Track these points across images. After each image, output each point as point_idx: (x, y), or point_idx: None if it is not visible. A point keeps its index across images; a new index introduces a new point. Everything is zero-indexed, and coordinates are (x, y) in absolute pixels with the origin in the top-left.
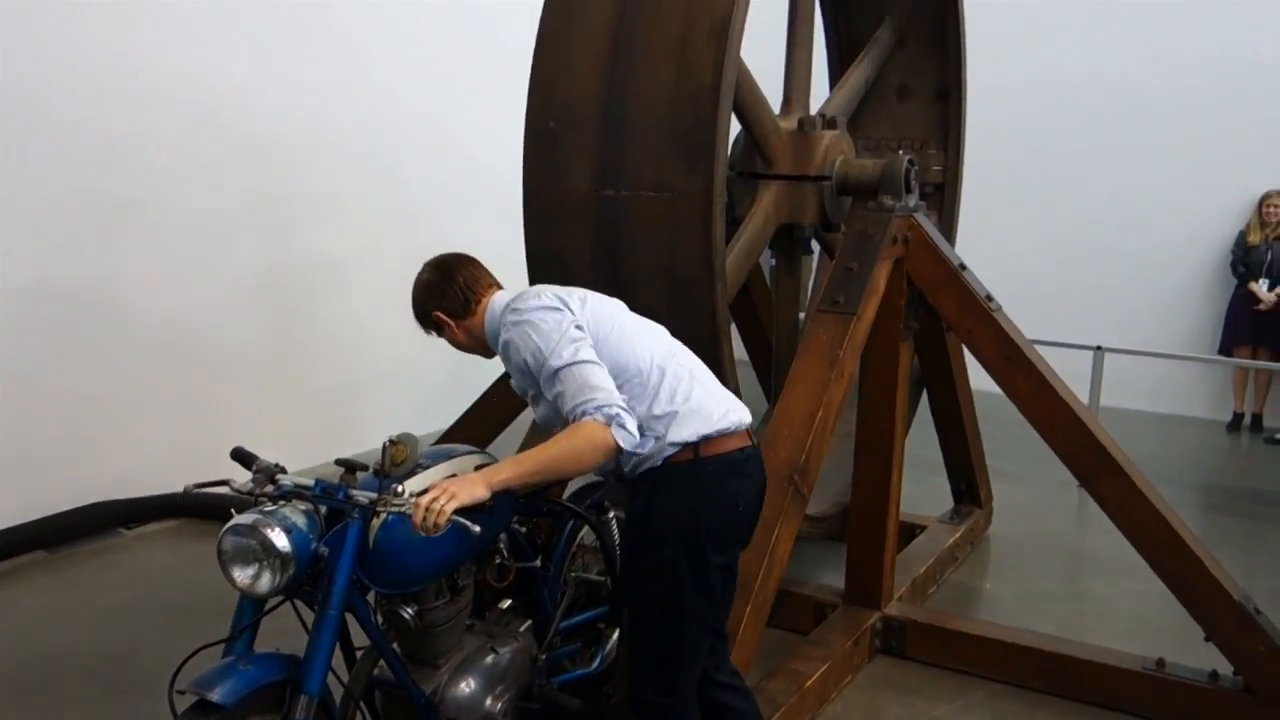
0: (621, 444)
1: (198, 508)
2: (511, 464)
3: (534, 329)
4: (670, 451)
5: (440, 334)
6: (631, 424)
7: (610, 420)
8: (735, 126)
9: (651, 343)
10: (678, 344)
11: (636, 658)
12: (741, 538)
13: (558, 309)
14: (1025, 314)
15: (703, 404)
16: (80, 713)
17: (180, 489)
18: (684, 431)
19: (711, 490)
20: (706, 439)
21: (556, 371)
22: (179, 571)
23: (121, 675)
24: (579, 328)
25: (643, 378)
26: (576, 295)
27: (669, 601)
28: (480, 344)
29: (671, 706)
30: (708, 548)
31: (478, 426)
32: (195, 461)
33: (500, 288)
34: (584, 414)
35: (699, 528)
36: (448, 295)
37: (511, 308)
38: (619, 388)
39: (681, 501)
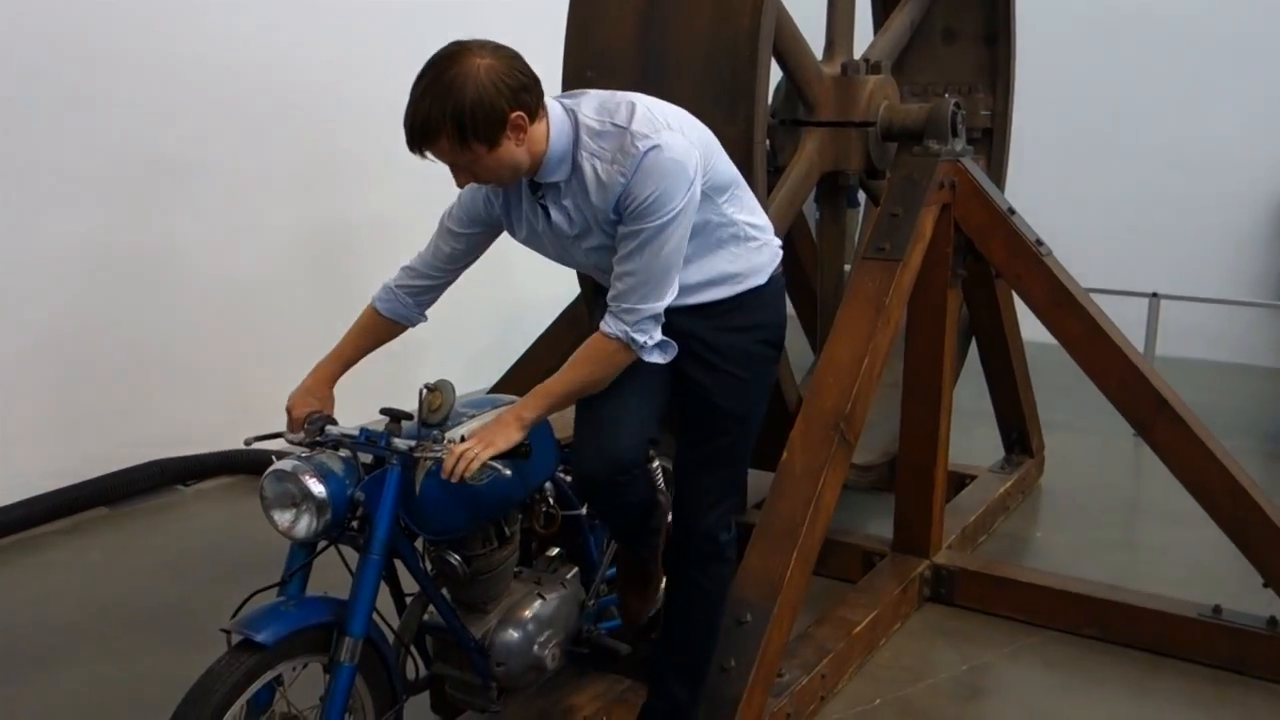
0: (641, 357)
1: (252, 465)
2: (540, 398)
3: (678, 169)
4: (777, 258)
5: (490, 150)
6: (655, 335)
7: (632, 344)
8: (777, 73)
9: None
10: None
11: (725, 492)
12: None
13: (696, 156)
14: (1078, 261)
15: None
16: (143, 660)
17: (235, 446)
18: (774, 239)
19: (783, 305)
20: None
21: (656, 240)
22: (235, 526)
23: (181, 625)
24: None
25: (737, 186)
26: (688, 117)
27: (759, 422)
28: (524, 165)
29: (734, 541)
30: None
31: (524, 381)
32: (251, 419)
33: None
34: (618, 323)
35: (782, 340)
36: (529, 86)
37: (642, 133)
38: (725, 200)
39: (781, 314)
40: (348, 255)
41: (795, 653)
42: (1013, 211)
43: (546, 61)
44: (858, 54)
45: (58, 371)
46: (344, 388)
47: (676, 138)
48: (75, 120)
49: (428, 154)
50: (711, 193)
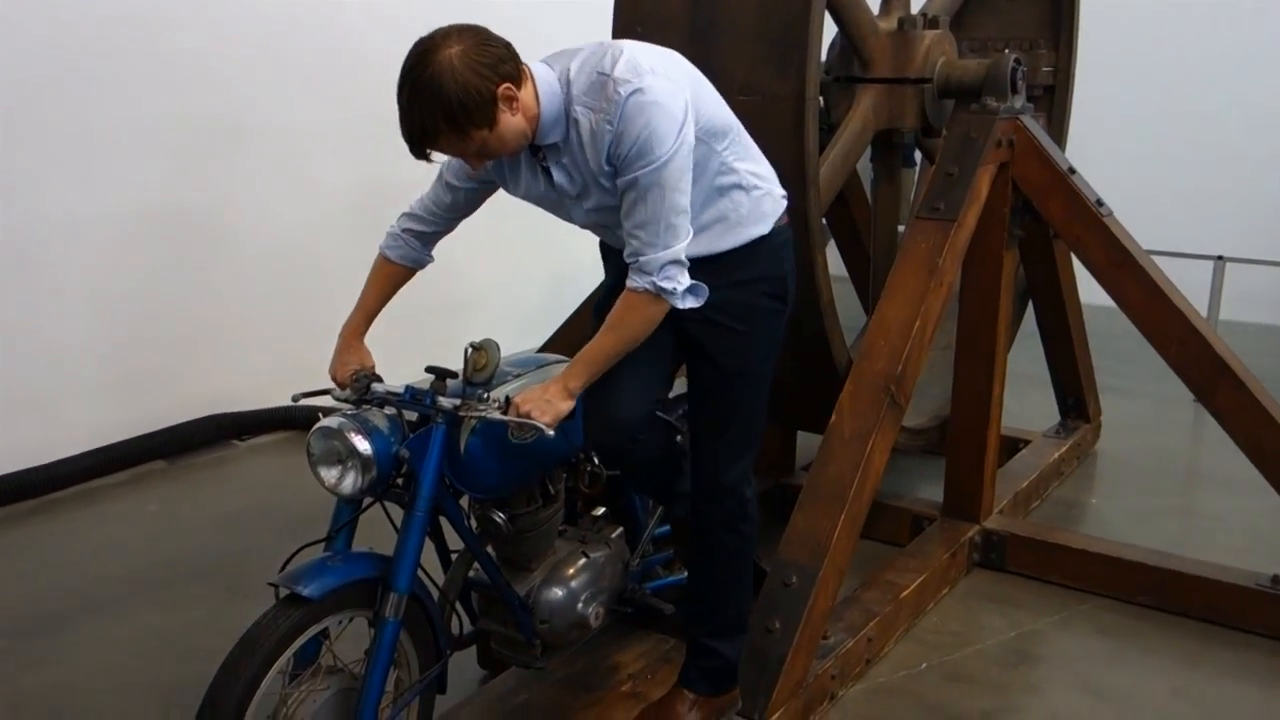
0: (674, 305)
1: (305, 420)
2: (583, 365)
3: (662, 112)
4: (781, 208)
5: (492, 130)
6: (683, 281)
7: (661, 293)
8: (831, 28)
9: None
10: None
11: (740, 450)
12: None
13: (685, 95)
14: (1140, 222)
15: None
16: (201, 609)
17: (287, 403)
18: (778, 189)
19: (788, 256)
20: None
21: (654, 184)
22: (288, 480)
23: (234, 576)
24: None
25: (736, 133)
26: (677, 59)
27: (768, 376)
28: (527, 130)
29: (755, 499)
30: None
31: (573, 340)
32: (301, 376)
33: None
34: (642, 277)
35: (785, 293)
36: (505, 57)
37: (624, 78)
38: (725, 147)
39: (785, 266)
40: (396, 215)
41: (841, 616)
42: (1073, 171)
43: (596, 17)
44: (915, 8)
45: (117, 328)
46: (392, 345)
47: (660, 80)
48: (129, 81)
49: (434, 156)
50: (709, 138)
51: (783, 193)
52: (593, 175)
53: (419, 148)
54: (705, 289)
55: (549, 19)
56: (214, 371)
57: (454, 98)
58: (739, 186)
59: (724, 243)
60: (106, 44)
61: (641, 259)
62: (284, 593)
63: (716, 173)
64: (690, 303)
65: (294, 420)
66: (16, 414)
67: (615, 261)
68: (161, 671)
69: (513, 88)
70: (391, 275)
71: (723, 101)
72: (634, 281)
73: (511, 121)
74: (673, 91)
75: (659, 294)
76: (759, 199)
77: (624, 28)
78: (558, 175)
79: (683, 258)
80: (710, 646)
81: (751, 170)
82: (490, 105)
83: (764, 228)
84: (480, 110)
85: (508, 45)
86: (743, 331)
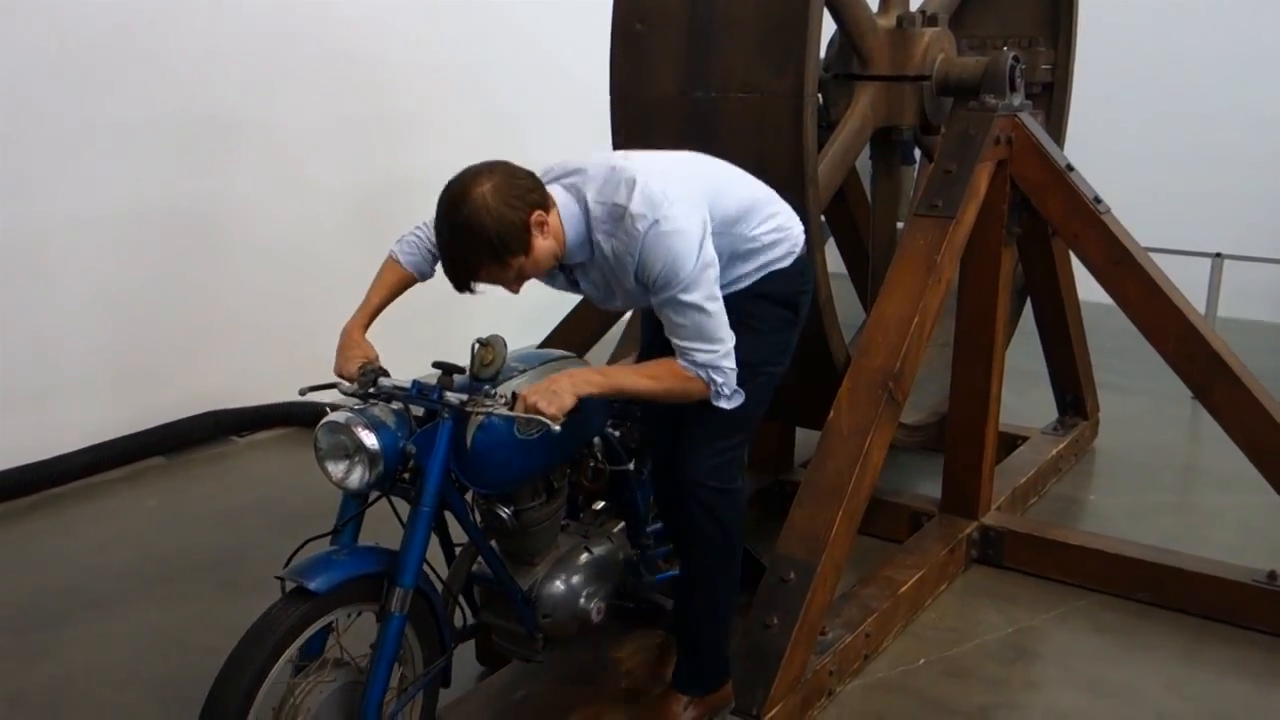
0: (714, 402)
1: (304, 416)
2: (607, 379)
3: (680, 239)
4: (799, 246)
5: (528, 255)
6: (730, 387)
7: (711, 383)
8: (830, 26)
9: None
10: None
11: (725, 439)
12: None
13: (701, 214)
14: (1139, 219)
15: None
16: (200, 605)
17: (285, 400)
18: (796, 227)
19: (802, 278)
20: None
21: (686, 304)
22: (288, 476)
23: (236, 571)
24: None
25: (755, 205)
26: (688, 166)
27: (770, 383)
28: (559, 249)
29: (742, 494)
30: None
31: (572, 336)
32: (300, 372)
33: None
34: (695, 366)
35: (796, 304)
36: (532, 187)
37: (640, 213)
38: (745, 223)
39: (798, 285)
40: (397, 211)
41: (840, 611)
42: (1071, 168)
43: (596, 15)
44: (914, 6)
45: (116, 325)
46: (393, 340)
47: (676, 209)
48: (128, 78)
49: (477, 288)
50: (730, 226)
51: (800, 229)
52: (621, 286)
53: (463, 282)
54: (743, 394)
55: (548, 17)
56: (212, 368)
57: (493, 232)
58: (762, 248)
59: (749, 280)
60: (104, 44)
61: (693, 359)
62: (290, 586)
63: (736, 244)
64: (724, 405)
65: (293, 416)
66: (16, 410)
67: None
68: (160, 666)
69: (543, 214)
70: (399, 278)
71: (743, 177)
72: (686, 366)
73: (544, 244)
74: (688, 215)
75: (709, 384)
76: (775, 245)
77: (622, 24)
78: (584, 284)
79: (733, 364)
80: (699, 646)
81: (770, 229)
82: (525, 233)
83: (785, 264)
84: (517, 239)
85: (531, 174)
86: (750, 325)
